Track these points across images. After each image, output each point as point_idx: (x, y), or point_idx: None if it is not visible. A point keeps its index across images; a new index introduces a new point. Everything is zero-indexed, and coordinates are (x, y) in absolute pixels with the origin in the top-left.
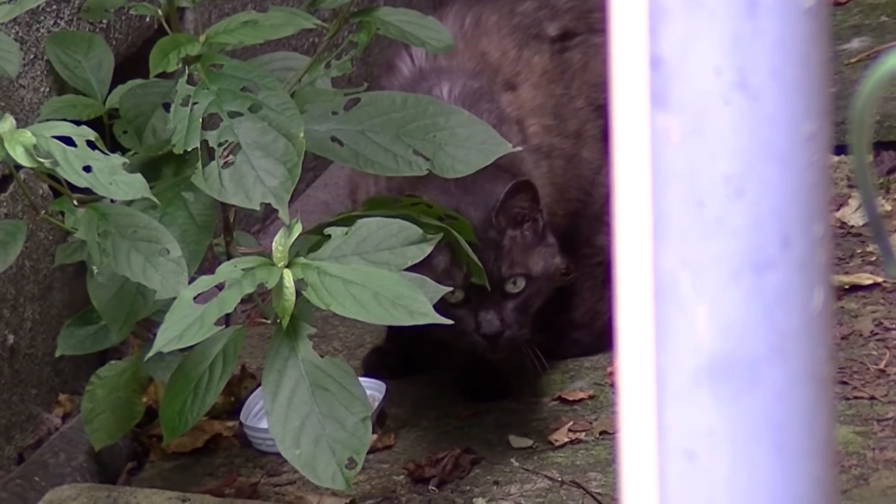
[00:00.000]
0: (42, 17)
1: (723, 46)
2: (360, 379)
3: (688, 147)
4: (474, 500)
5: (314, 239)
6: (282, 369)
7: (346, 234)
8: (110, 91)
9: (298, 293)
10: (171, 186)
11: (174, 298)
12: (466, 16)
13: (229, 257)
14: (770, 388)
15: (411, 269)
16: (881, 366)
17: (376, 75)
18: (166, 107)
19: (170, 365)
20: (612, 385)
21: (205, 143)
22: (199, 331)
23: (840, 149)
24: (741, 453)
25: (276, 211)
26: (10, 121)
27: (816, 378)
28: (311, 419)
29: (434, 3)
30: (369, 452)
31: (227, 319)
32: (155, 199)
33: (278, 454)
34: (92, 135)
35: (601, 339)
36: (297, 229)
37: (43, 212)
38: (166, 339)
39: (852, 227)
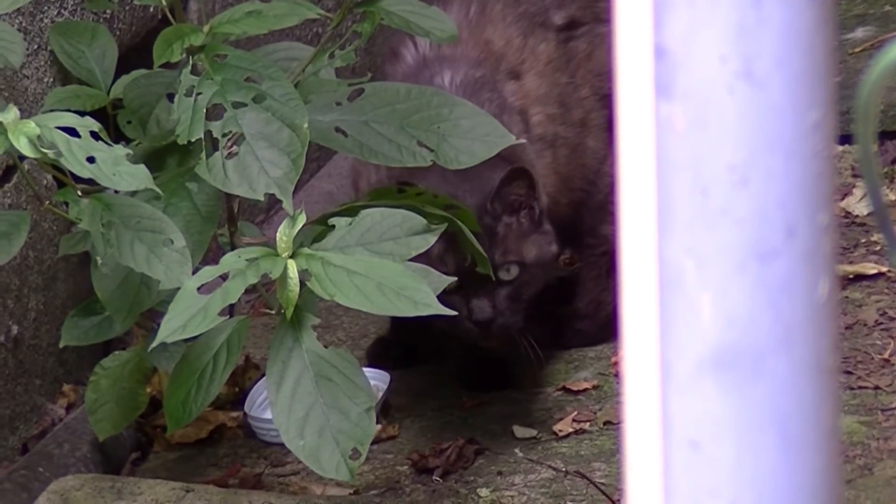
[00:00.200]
0: (46, 7)
1: (727, 35)
2: (364, 369)
3: (692, 136)
4: (478, 490)
5: (318, 229)
6: (286, 360)
7: (350, 224)
8: (114, 81)
9: (302, 283)
10: (175, 177)
11: (178, 289)
12: (472, 3)
13: (233, 248)
14: (775, 377)
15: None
16: (886, 355)
17: (380, 63)
18: (170, 97)
19: (174, 355)
20: (617, 375)
21: (209, 133)
22: (204, 321)
23: (844, 138)
24: (746, 443)
25: (280, 201)
26: (13, 111)
27: (821, 368)
28: (316, 409)
29: None
30: (373, 443)
31: (230, 310)
32: (159, 190)
33: (282, 444)
34: (96, 125)
35: (605, 329)
36: (301, 219)
37: (47, 202)
38: (170, 329)
39: (857, 216)
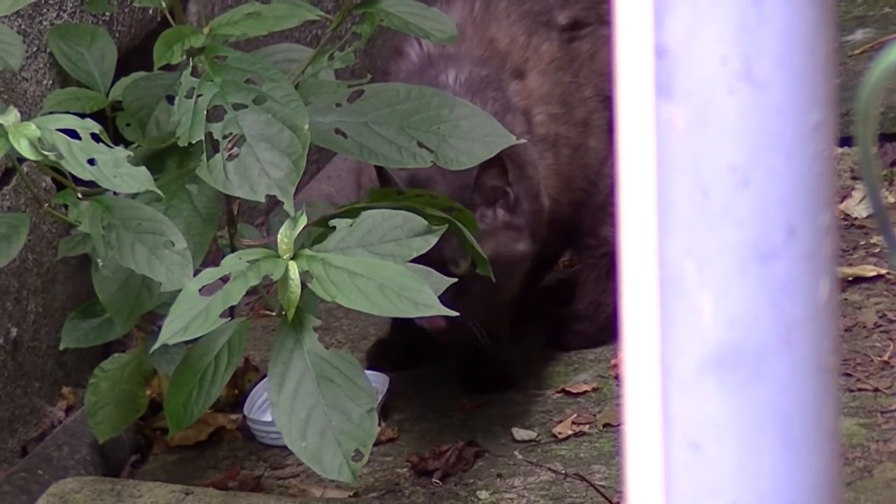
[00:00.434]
0: (45, 10)
1: (728, 35)
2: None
3: (693, 137)
4: (478, 492)
5: (318, 231)
6: (287, 361)
7: (351, 225)
8: (113, 83)
9: (303, 285)
10: (176, 179)
11: (178, 291)
12: (476, 1)
13: (233, 250)
14: (776, 378)
15: None
16: (885, 357)
17: (384, 61)
18: (170, 99)
19: (174, 357)
20: (616, 377)
21: (209, 135)
22: (205, 323)
23: (844, 140)
24: (747, 444)
25: (280, 203)
26: (13, 113)
27: (822, 368)
28: (317, 411)
29: None
30: (373, 445)
31: (231, 312)
32: (159, 192)
33: (282, 447)
34: (96, 127)
35: (605, 331)
36: (303, 221)
37: (46, 205)
38: (172, 331)
39: (856, 218)
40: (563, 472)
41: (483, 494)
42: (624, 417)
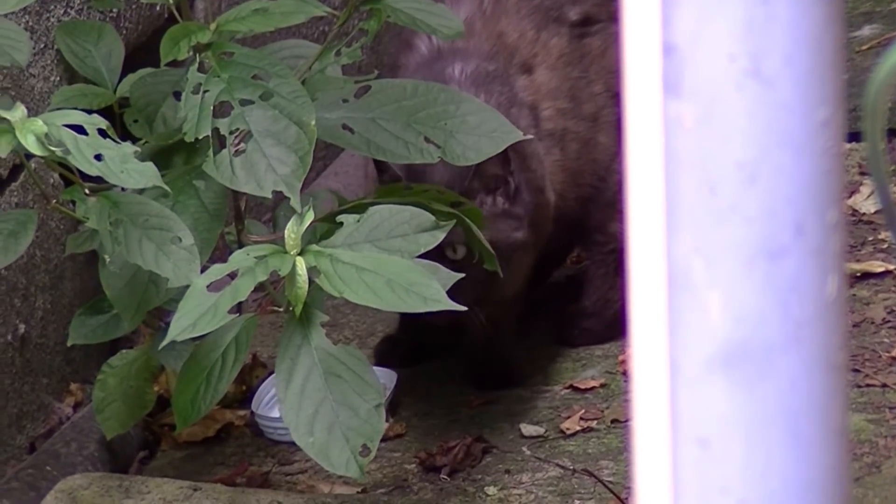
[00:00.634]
0: (52, 6)
1: (736, 32)
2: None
3: (701, 134)
4: (486, 488)
5: (326, 226)
6: (295, 357)
7: (359, 221)
8: (121, 80)
9: (311, 281)
10: (183, 175)
11: (186, 287)
12: None
13: (240, 246)
14: (784, 375)
15: None
16: (893, 353)
17: (394, 53)
18: (177, 95)
19: (182, 353)
20: (624, 373)
21: (216, 131)
22: (213, 319)
23: (852, 136)
24: (755, 441)
25: (287, 199)
26: (21, 109)
27: (830, 365)
28: (325, 406)
29: None
30: (381, 441)
31: (239, 308)
32: (166, 188)
33: (290, 443)
34: (103, 123)
35: (613, 327)
36: (310, 217)
37: (54, 201)
38: (180, 327)
39: (864, 214)
40: (571, 467)
41: (491, 490)
42: (632, 414)
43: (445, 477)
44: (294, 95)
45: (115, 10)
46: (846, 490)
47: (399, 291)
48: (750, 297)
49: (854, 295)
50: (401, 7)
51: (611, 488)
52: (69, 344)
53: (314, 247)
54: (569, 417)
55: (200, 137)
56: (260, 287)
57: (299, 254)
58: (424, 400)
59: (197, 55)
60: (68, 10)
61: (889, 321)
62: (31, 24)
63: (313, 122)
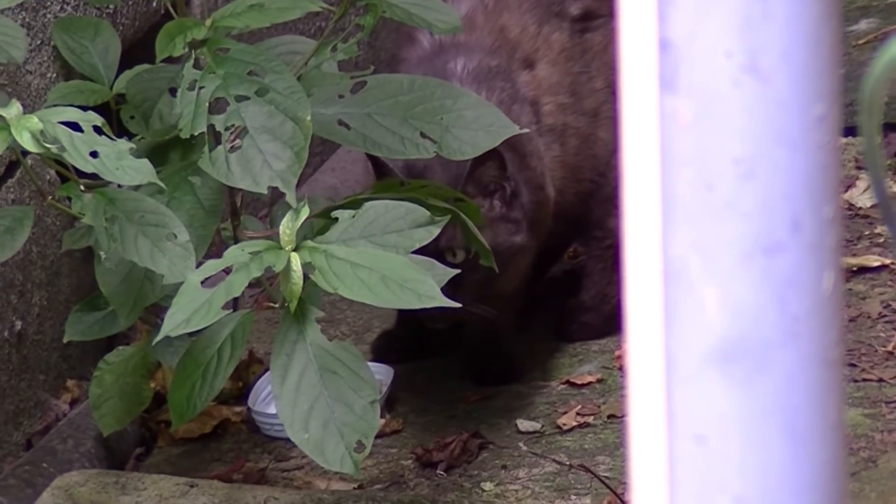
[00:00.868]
0: (49, 3)
1: (732, 28)
2: (368, 364)
3: (697, 130)
4: (482, 484)
5: (321, 222)
6: (290, 353)
7: (354, 217)
8: (117, 76)
9: (306, 277)
10: (178, 171)
11: (182, 283)
12: None
13: (236, 241)
14: (781, 371)
15: None
16: (889, 348)
17: (396, 46)
18: (173, 92)
19: (178, 350)
20: (621, 369)
21: (211, 127)
22: (208, 315)
23: (848, 130)
24: (751, 437)
25: (283, 195)
26: (16, 106)
27: (827, 361)
28: (320, 402)
29: None
30: (377, 437)
31: (234, 304)
32: (162, 184)
33: (286, 439)
34: (99, 120)
35: (610, 322)
36: (305, 213)
37: (50, 197)
38: (174, 323)
39: (860, 208)
40: (568, 463)
41: (487, 486)
42: (628, 409)
43: (442, 473)
44: (290, 91)
45: (111, 6)
46: (843, 485)
47: (394, 288)
48: (746, 293)
49: (850, 289)
50: (397, 2)
51: (607, 484)
52: (65, 340)
53: (309, 243)
54: (565, 413)
55: (196, 134)
56: (256, 283)
57: (294, 250)
58: (421, 396)
59: (193, 51)
60: (65, 6)
61: (885, 315)
62: (27, 20)
63: (309, 118)
